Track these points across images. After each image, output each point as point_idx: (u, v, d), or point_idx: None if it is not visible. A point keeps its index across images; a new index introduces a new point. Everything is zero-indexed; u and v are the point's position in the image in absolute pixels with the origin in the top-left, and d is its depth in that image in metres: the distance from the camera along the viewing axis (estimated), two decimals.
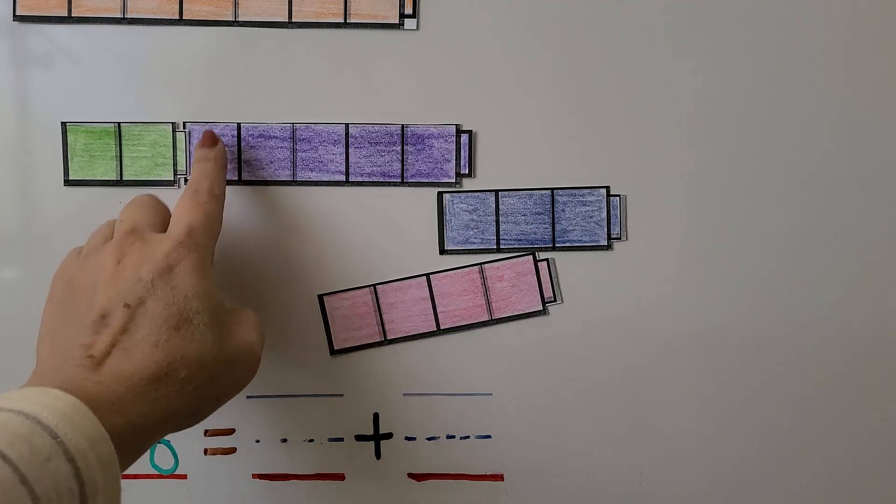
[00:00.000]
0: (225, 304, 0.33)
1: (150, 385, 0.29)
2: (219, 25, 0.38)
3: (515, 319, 0.40)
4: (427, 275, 0.39)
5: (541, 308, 0.39)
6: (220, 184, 0.35)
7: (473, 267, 0.39)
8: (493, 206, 0.39)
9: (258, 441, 0.41)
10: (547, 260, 0.39)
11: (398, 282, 0.39)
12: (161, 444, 0.40)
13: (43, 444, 0.24)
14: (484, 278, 0.39)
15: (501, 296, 0.39)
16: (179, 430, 0.31)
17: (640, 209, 0.39)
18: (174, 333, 0.30)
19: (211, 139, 0.36)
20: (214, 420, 0.40)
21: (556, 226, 0.39)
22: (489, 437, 0.40)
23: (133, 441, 0.28)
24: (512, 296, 0.39)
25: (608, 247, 0.39)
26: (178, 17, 0.38)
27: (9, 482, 0.23)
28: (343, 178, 0.39)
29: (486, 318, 0.40)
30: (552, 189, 0.39)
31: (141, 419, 0.28)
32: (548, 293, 0.39)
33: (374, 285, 0.39)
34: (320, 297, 0.39)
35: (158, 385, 0.29)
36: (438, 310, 0.39)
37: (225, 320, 0.32)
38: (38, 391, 0.26)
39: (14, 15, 0.38)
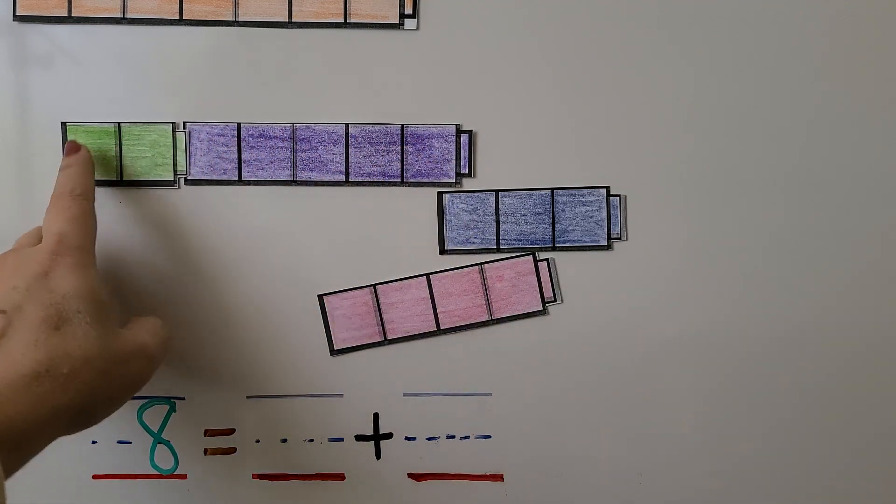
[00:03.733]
0: (108, 303, 0.33)
1: (31, 382, 0.29)
2: (219, 25, 0.38)
3: (515, 319, 0.40)
4: (427, 275, 0.39)
5: (541, 308, 0.39)
6: (84, 184, 0.35)
7: (473, 267, 0.39)
8: (493, 206, 0.39)
9: (258, 441, 0.41)
10: (547, 260, 0.39)
11: (398, 282, 0.39)
12: (161, 444, 0.40)
13: None
14: (484, 278, 0.39)
15: (501, 296, 0.39)
16: (74, 431, 0.31)
17: (640, 209, 0.39)
18: (53, 333, 0.30)
19: (73, 147, 0.37)
20: (214, 420, 0.40)
21: (556, 226, 0.39)
22: (489, 437, 0.40)
23: (17, 440, 0.28)
24: (512, 296, 0.39)
25: (608, 247, 0.39)
26: (178, 17, 0.38)
27: None
28: (343, 178, 0.39)
29: (486, 318, 0.40)
30: (552, 189, 0.39)
31: (23, 416, 0.28)
32: (548, 293, 0.39)
33: (374, 285, 0.39)
34: (320, 297, 0.39)
35: (40, 382, 0.29)
36: (438, 310, 0.39)
37: (113, 318, 0.33)
38: None
39: (14, 15, 0.38)
